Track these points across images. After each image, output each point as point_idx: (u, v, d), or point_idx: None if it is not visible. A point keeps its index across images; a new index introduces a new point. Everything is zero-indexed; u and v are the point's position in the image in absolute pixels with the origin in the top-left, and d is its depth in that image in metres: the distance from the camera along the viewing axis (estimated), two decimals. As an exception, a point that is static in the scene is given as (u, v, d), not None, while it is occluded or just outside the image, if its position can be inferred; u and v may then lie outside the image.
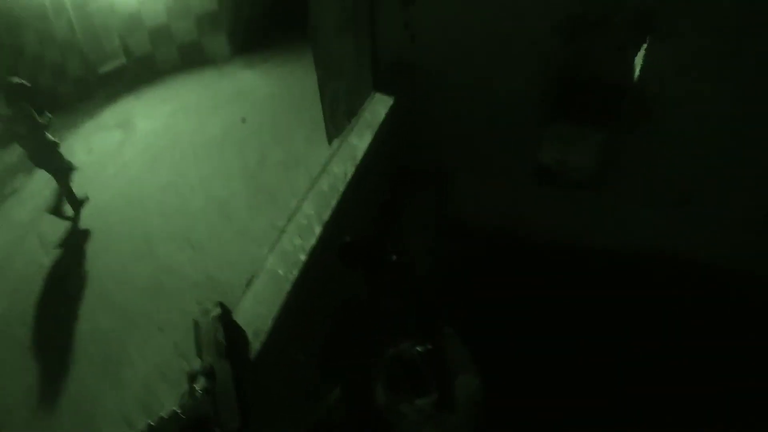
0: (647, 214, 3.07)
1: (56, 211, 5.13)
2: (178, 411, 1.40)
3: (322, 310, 2.14)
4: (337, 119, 3.72)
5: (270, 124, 6.09)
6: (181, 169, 5.66)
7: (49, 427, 3.33)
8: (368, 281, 2.11)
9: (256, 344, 1.49)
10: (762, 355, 2.49)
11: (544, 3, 2.72)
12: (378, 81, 3.23)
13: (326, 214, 2.03)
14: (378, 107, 2.94)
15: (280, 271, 1.75)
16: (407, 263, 2.07)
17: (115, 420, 3.25)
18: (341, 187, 2.23)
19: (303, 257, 1.80)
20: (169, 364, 3.37)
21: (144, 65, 9.39)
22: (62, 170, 5.05)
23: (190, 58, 9.18)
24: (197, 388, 1.41)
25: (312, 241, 1.89)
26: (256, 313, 1.60)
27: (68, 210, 5.25)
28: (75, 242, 4.91)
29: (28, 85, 4.83)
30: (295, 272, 1.73)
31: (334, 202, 2.11)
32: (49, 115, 4.97)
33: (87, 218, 5.17)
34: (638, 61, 2.72)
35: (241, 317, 1.56)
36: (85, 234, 5.01)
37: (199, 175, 5.43)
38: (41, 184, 5.89)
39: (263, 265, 1.84)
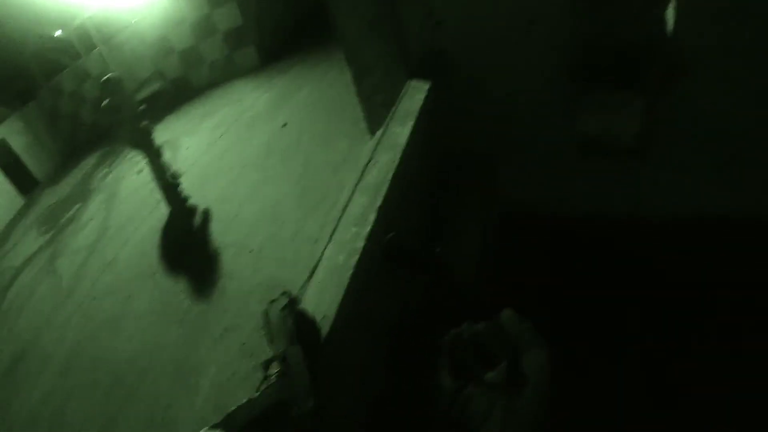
0: (692, 178, 2.91)
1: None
2: (256, 397, 1.44)
3: (386, 298, 2.16)
4: (375, 113, 3.74)
5: (310, 127, 6.20)
6: (230, 180, 5.84)
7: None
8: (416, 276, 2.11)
9: (324, 329, 1.51)
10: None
11: None
12: (411, 71, 3.23)
13: (379, 201, 2.05)
14: (415, 94, 2.94)
15: (340, 259, 1.77)
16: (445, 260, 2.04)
17: (190, 423, 3.39)
18: (389, 174, 2.24)
19: (361, 244, 1.82)
20: (239, 364, 3.48)
21: (179, 86, 9.80)
22: (157, 151, 5.76)
23: (222, 73, 9.51)
24: (272, 375, 1.46)
25: (368, 228, 1.91)
26: (321, 300, 1.63)
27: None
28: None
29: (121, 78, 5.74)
30: (355, 259, 1.75)
31: (384, 189, 2.12)
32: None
33: (147, 238, 5.44)
34: (670, 14, 2.55)
35: (306, 305, 1.60)
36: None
37: (248, 184, 5.59)
38: (94, 209, 6.25)
39: (322, 256, 1.87)
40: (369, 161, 2.41)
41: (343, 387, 1.72)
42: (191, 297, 4.37)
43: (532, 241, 3.24)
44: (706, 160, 2.85)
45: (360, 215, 2.02)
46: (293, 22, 9.97)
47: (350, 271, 1.70)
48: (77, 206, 7.63)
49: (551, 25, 2.81)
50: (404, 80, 3.19)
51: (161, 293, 4.57)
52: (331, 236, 1.97)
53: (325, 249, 1.88)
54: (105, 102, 5.49)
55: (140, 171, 6.96)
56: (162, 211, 5.85)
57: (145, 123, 5.62)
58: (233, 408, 1.46)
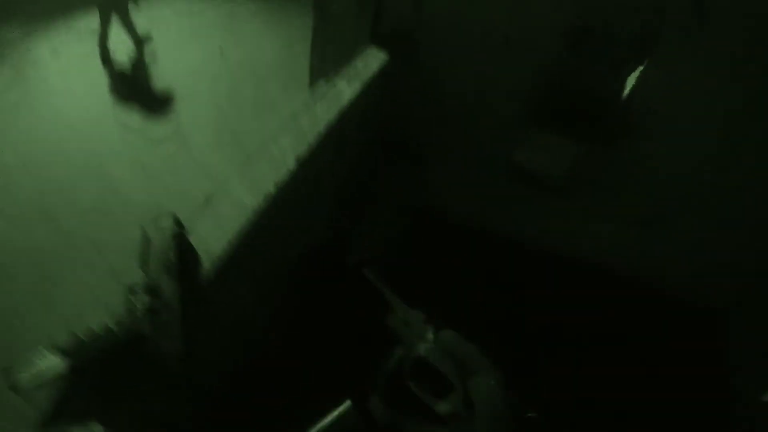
0: (610, 229, 3.09)
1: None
2: (112, 327, 1.27)
3: (281, 256, 2.03)
4: (325, 67, 3.53)
5: (248, 62, 5.78)
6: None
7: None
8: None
9: (210, 267, 1.36)
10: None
11: (552, 7, 2.70)
12: (375, 41, 3.08)
13: (302, 150, 1.90)
14: (371, 61, 2.80)
15: (244, 198, 1.61)
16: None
17: (40, 338, 3.06)
18: (321, 128, 2.09)
19: (271, 188, 1.67)
20: (104, 287, 3.18)
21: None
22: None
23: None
24: (137, 305, 1.28)
25: (283, 173, 1.76)
26: (213, 235, 1.46)
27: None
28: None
29: None
30: (262, 201, 1.60)
31: (311, 140, 1.98)
32: None
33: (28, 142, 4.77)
34: (631, 80, 2.75)
35: (195, 238, 1.43)
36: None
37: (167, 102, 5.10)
38: None
39: (226, 187, 1.70)
40: (305, 110, 2.24)
41: (220, 334, 1.58)
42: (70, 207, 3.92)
43: (438, 245, 3.23)
44: (628, 215, 3.04)
45: (278, 158, 1.86)
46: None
47: (251, 213, 1.55)
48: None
49: (524, 53, 2.85)
50: (364, 45, 3.04)
51: (41, 184, 4.08)
52: (241, 170, 1.80)
53: (230, 181, 1.71)
54: None
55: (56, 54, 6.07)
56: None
57: None
58: (84, 333, 1.27)
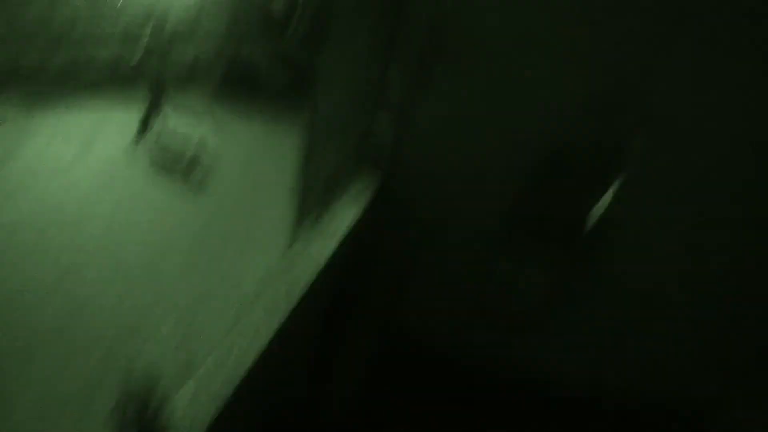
0: (582, 355, 3.26)
1: None
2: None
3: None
4: (313, 193, 3.73)
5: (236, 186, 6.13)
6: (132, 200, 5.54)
7: None
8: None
9: None
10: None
11: (533, 134, 2.99)
12: (357, 157, 3.40)
13: (276, 324, 2.10)
14: (346, 211, 3.06)
15: (223, 371, 1.78)
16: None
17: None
18: (296, 296, 2.31)
19: (249, 361, 1.85)
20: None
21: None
22: None
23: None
24: None
25: (260, 344, 1.95)
26: (191, 413, 1.61)
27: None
28: None
29: None
30: (238, 376, 1.77)
31: (288, 310, 2.19)
32: None
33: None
34: (607, 197, 3.00)
35: (173, 415, 1.57)
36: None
37: (143, 217, 5.33)
38: None
39: (202, 364, 1.85)
40: (283, 272, 2.48)
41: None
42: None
43: (412, 370, 3.35)
44: (600, 340, 3.21)
45: (254, 330, 2.05)
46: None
47: (230, 391, 1.71)
48: None
49: (501, 183, 3.12)
50: (354, 169, 3.33)
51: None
52: (215, 347, 1.94)
53: (205, 359, 1.86)
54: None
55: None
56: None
57: None
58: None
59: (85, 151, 6.57)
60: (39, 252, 4.60)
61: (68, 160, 6.30)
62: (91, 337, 3.73)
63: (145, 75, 8.76)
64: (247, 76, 9.16)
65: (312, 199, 3.76)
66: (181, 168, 6.44)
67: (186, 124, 7.40)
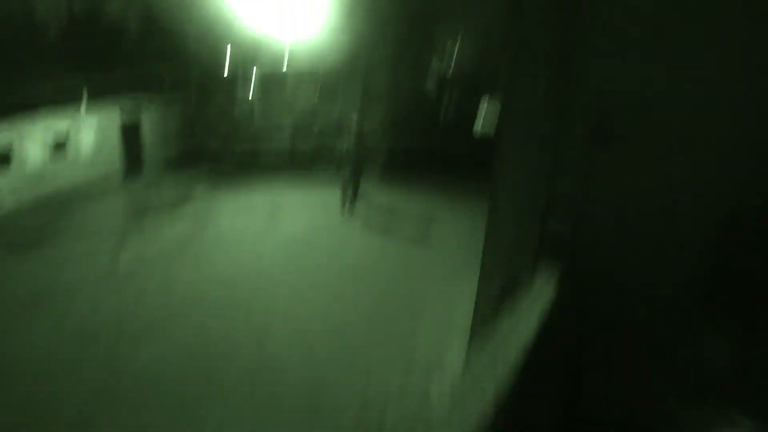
0: None
1: None
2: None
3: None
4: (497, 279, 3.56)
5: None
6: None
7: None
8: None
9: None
10: None
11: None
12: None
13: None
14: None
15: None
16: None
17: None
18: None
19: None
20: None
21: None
22: None
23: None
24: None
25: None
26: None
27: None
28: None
29: None
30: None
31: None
32: None
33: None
34: None
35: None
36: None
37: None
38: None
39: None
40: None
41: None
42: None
43: None
44: None
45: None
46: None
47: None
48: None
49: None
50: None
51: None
52: None
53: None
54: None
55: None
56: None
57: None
58: None
59: (270, 226, 7.43)
60: (229, 311, 5.18)
61: (254, 232, 7.18)
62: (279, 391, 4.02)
63: (324, 159, 9.82)
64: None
65: (496, 284, 3.73)
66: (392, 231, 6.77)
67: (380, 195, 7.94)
